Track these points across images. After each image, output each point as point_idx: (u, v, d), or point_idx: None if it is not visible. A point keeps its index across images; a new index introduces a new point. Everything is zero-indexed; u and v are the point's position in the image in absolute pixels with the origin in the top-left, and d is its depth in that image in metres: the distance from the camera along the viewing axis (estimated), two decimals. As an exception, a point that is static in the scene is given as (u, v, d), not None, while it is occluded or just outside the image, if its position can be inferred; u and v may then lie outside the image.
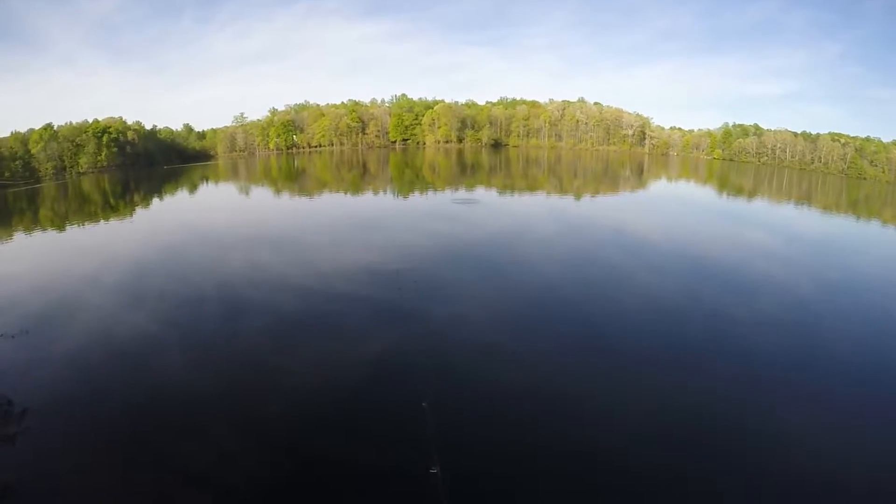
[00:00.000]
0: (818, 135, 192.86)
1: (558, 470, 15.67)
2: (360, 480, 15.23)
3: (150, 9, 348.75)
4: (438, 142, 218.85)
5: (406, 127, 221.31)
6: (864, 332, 27.69)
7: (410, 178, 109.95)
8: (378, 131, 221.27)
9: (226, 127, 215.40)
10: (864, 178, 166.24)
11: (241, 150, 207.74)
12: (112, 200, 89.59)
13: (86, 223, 63.19)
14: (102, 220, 64.30)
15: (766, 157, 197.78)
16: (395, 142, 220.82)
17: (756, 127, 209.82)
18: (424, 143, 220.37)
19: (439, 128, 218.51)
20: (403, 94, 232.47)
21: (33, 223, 66.73)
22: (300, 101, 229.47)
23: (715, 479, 15.45)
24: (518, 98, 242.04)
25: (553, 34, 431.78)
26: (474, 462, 15.79)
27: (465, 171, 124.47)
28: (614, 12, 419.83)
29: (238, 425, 18.11)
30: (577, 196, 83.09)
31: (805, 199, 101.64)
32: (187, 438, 17.38)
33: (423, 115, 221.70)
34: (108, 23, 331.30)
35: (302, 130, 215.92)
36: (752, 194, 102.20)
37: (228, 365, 22.67)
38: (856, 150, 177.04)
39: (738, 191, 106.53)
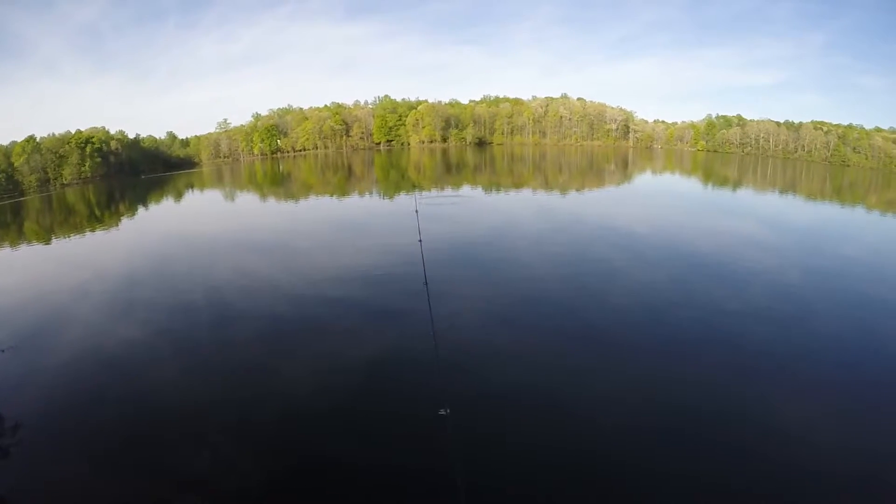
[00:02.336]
0: (801, 124, 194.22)
1: (555, 465, 15.71)
2: (358, 485, 15.21)
3: (133, 14, 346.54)
4: (423, 142, 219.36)
5: (390, 128, 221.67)
6: (854, 318, 27.82)
7: (396, 179, 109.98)
8: (362, 133, 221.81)
9: (209, 133, 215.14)
10: (848, 165, 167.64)
11: (225, 157, 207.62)
12: (98, 211, 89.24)
13: (72, 235, 62.94)
14: (89, 232, 64.02)
15: (749, 148, 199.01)
16: (379, 143, 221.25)
17: (739, 118, 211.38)
18: (409, 144, 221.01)
19: (423, 128, 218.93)
20: (386, 96, 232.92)
21: (19, 237, 66.52)
22: (283, 105, 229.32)
23: (711, 470, 15.50)
24: (501, 96, 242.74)
25: (538, 30, 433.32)
26: (475, 460, 15.82)
27: (451, 170, 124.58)
28: (599, 7, 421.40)
29: (234, 431, 18.08)
30: (564, 192, 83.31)
31: (790, 187, 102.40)
32: (183, 445, 17.33)
33: (406, 116, 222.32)
34: (92, 30, 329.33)
35: (286, 134, 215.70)
36: (737, 184, 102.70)
37: (222, 371, 22.61)
38: (838, 137, 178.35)
39: (723, 181, 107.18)
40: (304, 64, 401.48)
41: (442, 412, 10.78)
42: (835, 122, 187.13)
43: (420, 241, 14.23)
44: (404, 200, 74.08)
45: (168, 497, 15.02)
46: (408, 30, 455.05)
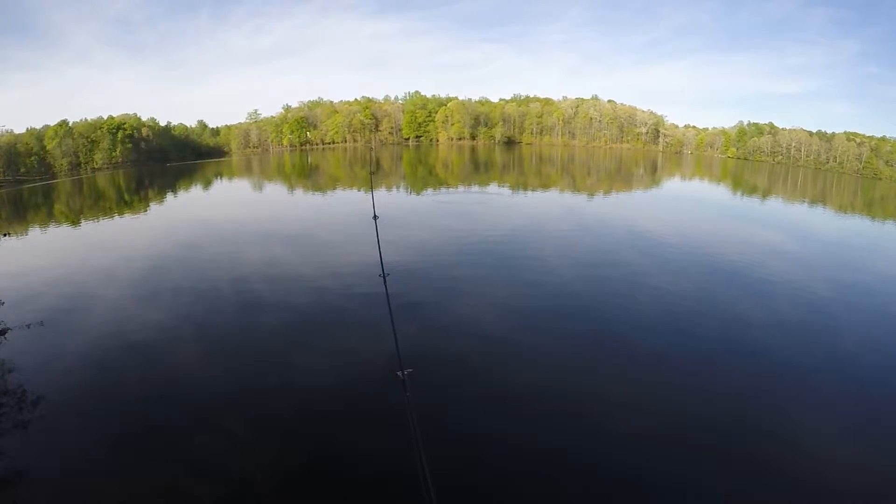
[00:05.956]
0: (833, 134, 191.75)
1: (569, 470, 15.64)
2: (375, 478, 15.22)
3: (166, 6, 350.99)
4: (451, 139, 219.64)
5: (419, 124, 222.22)
6: (881, 335, 27.40)
7: (423, 175, 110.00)
8: (391, 128, 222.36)
9: (240, 123, 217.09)
10: (880, 179, 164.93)
11: (254, 147, 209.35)
12: (127, 196, 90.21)
13: (101, 218, 63.68)
14: (117, 216, 64.79)
15: (780, 157, 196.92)
16: (408, 139, 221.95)
17: (771, 126, 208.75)
18: (437, 140, 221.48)
19: (452, 125, 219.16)
20: (417, 92, 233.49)
21: (49, 218, 67.43)
22: (314, 97, 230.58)
23: (728, 482, 15.30)
24: (531, 95, 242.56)
25: (568, 31, 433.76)
26: (478, 464, 15.80)
27: (478, 169, 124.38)
28: (630, 9, 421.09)
29: (252, 419, 18.17)
30: (591, 194, 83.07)
31: (820, 199, 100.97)
32: (201, 432, 17.46)
33: (436, 113, 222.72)
34: (125, 19, 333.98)
35: (315, 127, 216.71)
36: (766, 194, 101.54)
37: (243, 359, 22.72)
38: (871, 149, 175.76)
39: (752, 190, 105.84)
40: (334, 58, 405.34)
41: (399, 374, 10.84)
42: (868, 134, 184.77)
43: (386, 276, 14.35)
44: (430, 197, 74.20)
45: (182, 482, 15.11)
46: (438, 27, 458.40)
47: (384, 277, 16.78)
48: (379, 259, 19.03)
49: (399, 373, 11.26)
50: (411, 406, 10.52)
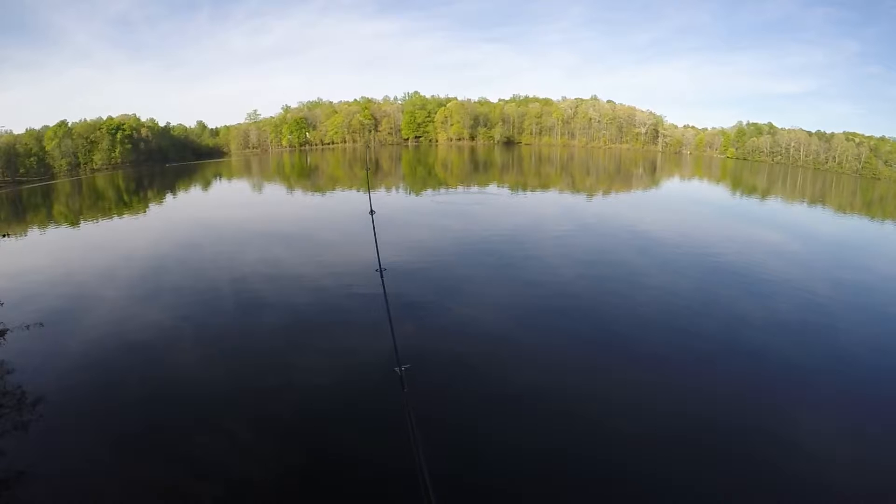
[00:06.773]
0: (832, 134, 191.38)
1: (569, 470, 15.63)
2: (374, 477, 15.20)
3: (166, 6, 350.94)
4: (451, 139, 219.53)
5: (419, 124, 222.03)
6: (881, 334, 27.37)
7: (423, 175, 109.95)
8: (391, 128, 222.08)
9: (239, 124, 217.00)
10: (879, 179, 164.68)
11: (254, 147, 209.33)
12: (126, 197, 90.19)
13: (100, 219, 63.65)
14: (117, 216, 64.70)
15: (779, 157, 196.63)
16: (407, 139, 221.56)
17: (770, 126, 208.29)
18: (437, 141, 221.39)
19: (452, 125, 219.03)
20: (416, 92, 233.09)
21: (48, 219, 67.38)
22: (313, 98, 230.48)
23: (728, 482, 15.28)
24: (531, 96, 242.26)
25: (568, 31, 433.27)
26: (477, 464, 15.79)
27: (478, 169, 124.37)
28: (630, 10, 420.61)
29: (252, 419, 18.15)
30: (590, 194, 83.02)
31: (819, 199, 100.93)
32: (201, 432, 17.43)
33: (435, 113, 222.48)
34: (125, 19, 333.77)
35: (315, 127, 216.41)
36: (765, 194, 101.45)
37: (242, 359, 22.71)
38: (870, 149, 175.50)
39: (751, 190, 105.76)
40: (334, 58, 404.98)
41: (397, 370, 10.90)
42: (867, 134, 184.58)
43: (383, 271, 14.38)
44: (429, 198, 74.14)
45: (182, 482, 15.11)
46: (437, 27, 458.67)
47: (381, 272, 16.78)
48: (377, 258, 19.00)
49: (396, 368, 11.28)
50: (409, 401, 10.52)
